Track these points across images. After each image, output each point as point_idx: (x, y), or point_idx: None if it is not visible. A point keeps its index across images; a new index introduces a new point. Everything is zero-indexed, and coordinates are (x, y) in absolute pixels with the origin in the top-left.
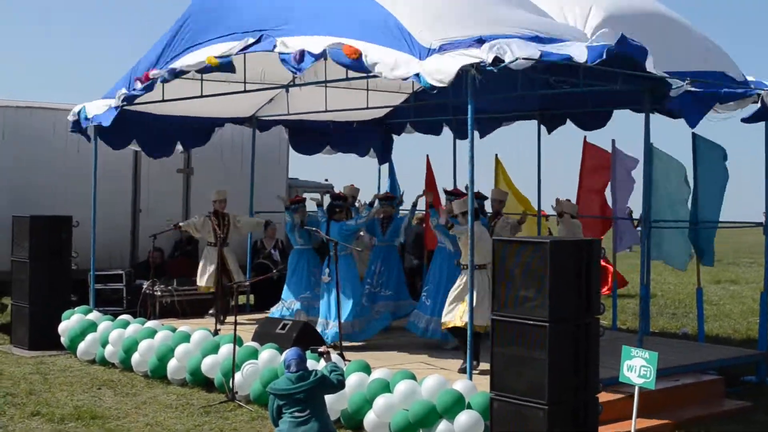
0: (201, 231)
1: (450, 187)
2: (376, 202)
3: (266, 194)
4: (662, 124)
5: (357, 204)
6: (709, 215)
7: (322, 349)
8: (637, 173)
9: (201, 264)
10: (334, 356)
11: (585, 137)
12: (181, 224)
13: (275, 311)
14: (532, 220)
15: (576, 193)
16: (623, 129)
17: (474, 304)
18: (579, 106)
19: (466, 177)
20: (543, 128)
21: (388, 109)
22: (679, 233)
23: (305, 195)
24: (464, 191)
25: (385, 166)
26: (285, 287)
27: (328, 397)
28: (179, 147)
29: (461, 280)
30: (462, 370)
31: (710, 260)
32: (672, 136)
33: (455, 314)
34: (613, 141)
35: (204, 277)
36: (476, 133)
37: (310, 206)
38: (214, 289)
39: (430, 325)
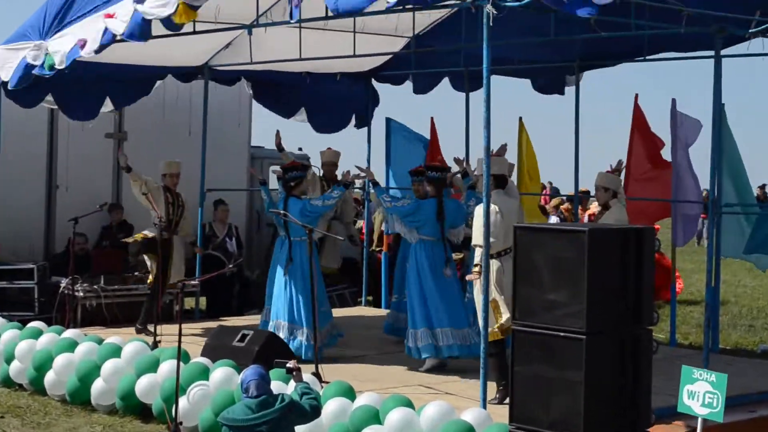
0: (156, 199)
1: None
2: (364, 182)
3: (222, 167)
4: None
5: (342, 176)
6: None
7: (291, 364)
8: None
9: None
10: (307, 375)
11: (636, 95)
12: (130, 166)
13: (263, 321)
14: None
15: (624, 170)
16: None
17: (497, 300)
18: (628, 54)
19: (480, 145)
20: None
21: (382, 58)
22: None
23: (272, 168)
24: (448, 165)
25: (381, 129)
26: (267, 289)
27: (299, 428)
28: (108, 105)
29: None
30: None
31: None
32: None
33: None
34: (674, 101)
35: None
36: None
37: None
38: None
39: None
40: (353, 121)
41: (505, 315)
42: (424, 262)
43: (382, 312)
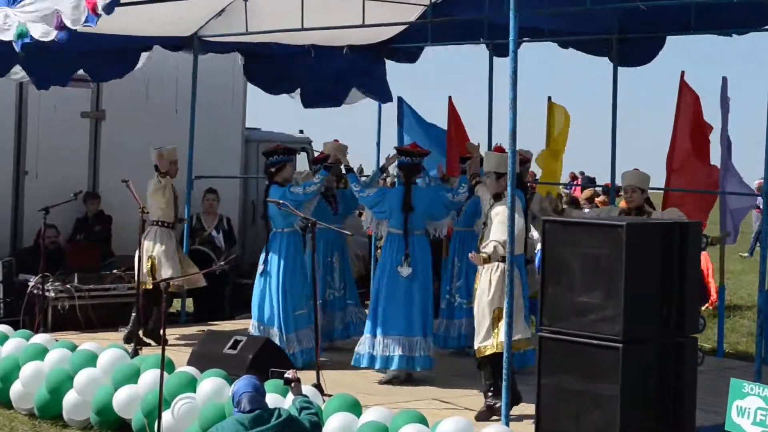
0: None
1: (483, 143)
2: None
3: (213, 150)
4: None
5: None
6: None
7: (289, 374)
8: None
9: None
10: (307, 387)
11: (682, 73)
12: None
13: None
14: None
15: (666, 156)
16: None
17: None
18: (674, 27)
19: (504, 128)
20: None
21: (395, 29)
22: None
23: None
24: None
25: (391, 111)
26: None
27: None
28: (86, 80)
29: (482, 280)
30: (484, 414)
31: None
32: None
33: (492, 334)
34: (725, 79)
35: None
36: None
37: None
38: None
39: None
40: (349, 98)
41: (517, 329)
42: (386, 258)
43: None
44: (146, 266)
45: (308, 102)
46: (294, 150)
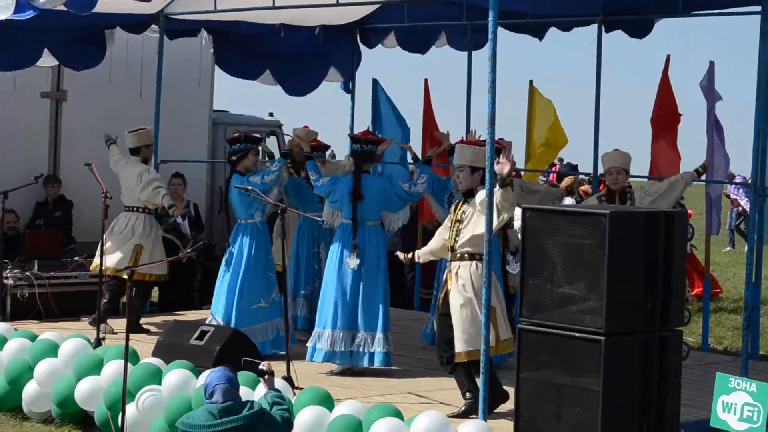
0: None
1: (462, 131)
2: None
3: (179, 132)
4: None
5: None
6: None
7: (264, 366)
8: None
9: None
10: (277, 380)
11: (668, 57)
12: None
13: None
14: None
15: (650, 144)
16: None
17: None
18: (663, 7)
19: (483, 114)
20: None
21: (368, 8)
22: None
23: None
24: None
25: (365, 95)
26: None
27: None
28: (48, 57)
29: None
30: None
31: None
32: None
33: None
34: (712, 63)
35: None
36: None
37: None
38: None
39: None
40: (324, 82)
41: (502, 329)
42: (335, 249)
43: None
44: (131, 254)
45: (288, 90)
46: (258, 138)
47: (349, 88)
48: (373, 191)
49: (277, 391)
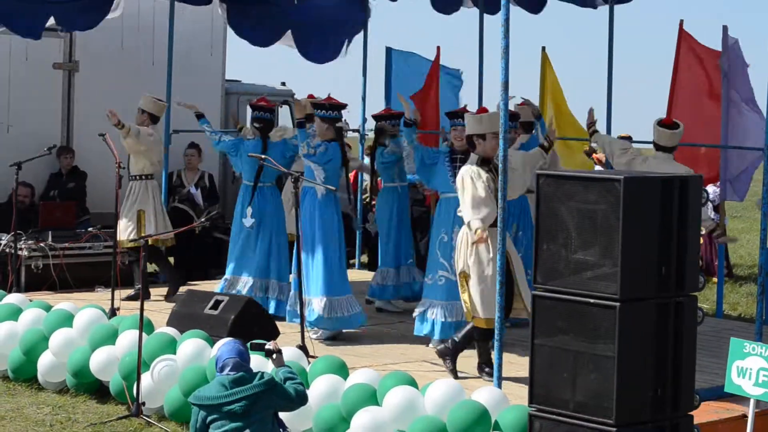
0: (145, 145)
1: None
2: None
3: (191, 101)
4: None
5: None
6: None
7: (270, 345)
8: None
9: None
10: (292, 349)
11: (681, 22)
12: (121, 122)
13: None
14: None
15: (666, 111)
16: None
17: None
18: None
19: (496, 80)
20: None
21: None
22: None
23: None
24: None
25: (377, 62)
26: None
27: (285, 415)
28: (55, 27)
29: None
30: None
31: None
32: None
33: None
34: (725, 28)
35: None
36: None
37: None
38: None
39: None
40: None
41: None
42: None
43: None
44: (134, 222)
45: (308, 55)
46: (272, 108)
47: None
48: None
49: (288, 367)
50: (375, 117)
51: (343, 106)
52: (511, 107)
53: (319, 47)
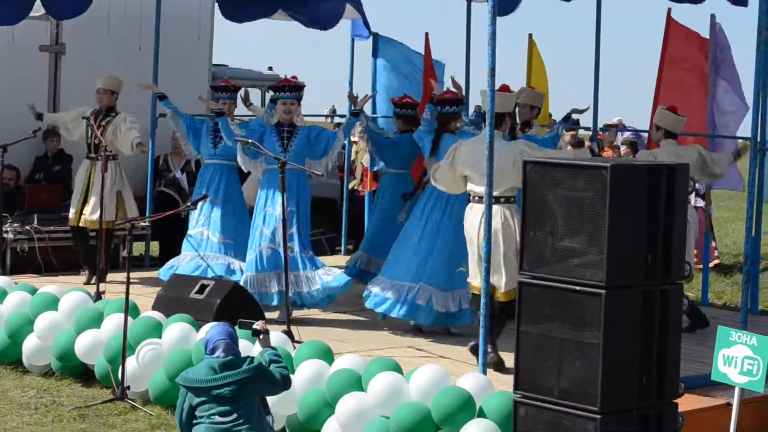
0: (73, 131)
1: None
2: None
3: (178, 86)
4: None
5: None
6: None
7: (258, 325)
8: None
9: (76, 188)
10: (277, 334)
11: (669, 10)
12: (41, 113)
13: None
14: None
15: (652, 98)
16: None
17: (496, 257)
18: None
19: (482, 65)
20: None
21: None
22: None
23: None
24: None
25: (364, 47)
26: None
27: (270, 399)
28: (40, 11)
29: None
30: (473, 349)
31: None
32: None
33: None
34: (713, 16)
35: (71, 206)
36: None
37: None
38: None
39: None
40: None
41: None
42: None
43: None
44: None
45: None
46: (235, 87)
47: (365, 33)
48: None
49: (274, 349)
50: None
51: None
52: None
53: (314, 13)
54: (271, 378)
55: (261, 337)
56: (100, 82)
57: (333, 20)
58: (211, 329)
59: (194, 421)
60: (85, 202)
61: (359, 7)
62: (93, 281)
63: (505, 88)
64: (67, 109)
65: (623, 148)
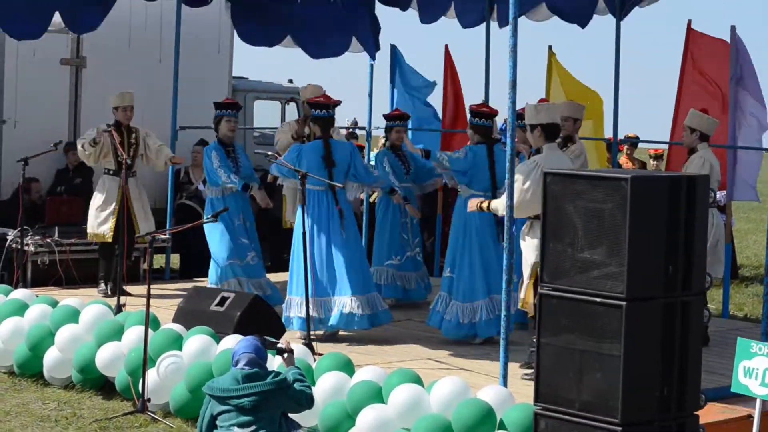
0: (156, 161)
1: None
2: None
3: (198, 100)
4: None
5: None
6: None
7: (283, 343)
8: None
9: (95, 202)
10: (298, 347)
11: (689, 21)
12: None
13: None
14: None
15: (673, 110)
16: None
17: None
18: None
19: (503, 79)
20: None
21: None
22: None
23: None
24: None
25: (384, 60)
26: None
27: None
28: (59, 24)
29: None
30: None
31: None
32: None
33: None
34: (733, 27)
35: (98, 221)
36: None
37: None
38: (112, 241)
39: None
40: (351, 47)
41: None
42: (316, 217)
43: None
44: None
45: (313, 53)
46: (236, 105)
47: (374, 54)
48: (340, 155)
49: (298, 369)
50: (386, 117)
51: (337, 103)
52: None
53: (320, 46)
54: (295, 395)
55: (285, 356)
56: (126, 99)
57: (339, 51)
58: (240, 341)
59: (214, 431)
60: (128, 218)
61: (366, 40)
62: (109, 293)
63: (543, 102)
64: (88, 123)
65: (652, 162)
